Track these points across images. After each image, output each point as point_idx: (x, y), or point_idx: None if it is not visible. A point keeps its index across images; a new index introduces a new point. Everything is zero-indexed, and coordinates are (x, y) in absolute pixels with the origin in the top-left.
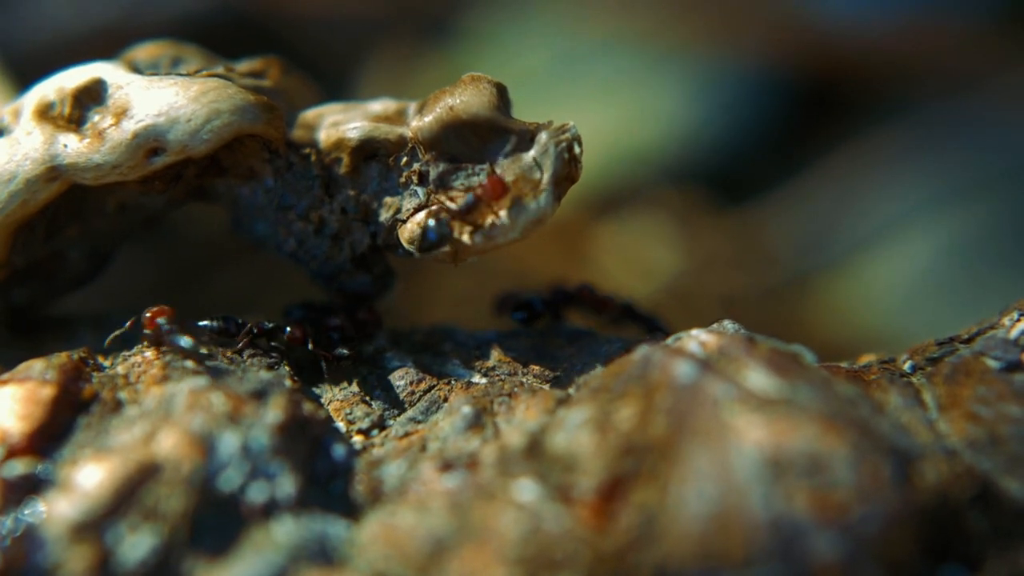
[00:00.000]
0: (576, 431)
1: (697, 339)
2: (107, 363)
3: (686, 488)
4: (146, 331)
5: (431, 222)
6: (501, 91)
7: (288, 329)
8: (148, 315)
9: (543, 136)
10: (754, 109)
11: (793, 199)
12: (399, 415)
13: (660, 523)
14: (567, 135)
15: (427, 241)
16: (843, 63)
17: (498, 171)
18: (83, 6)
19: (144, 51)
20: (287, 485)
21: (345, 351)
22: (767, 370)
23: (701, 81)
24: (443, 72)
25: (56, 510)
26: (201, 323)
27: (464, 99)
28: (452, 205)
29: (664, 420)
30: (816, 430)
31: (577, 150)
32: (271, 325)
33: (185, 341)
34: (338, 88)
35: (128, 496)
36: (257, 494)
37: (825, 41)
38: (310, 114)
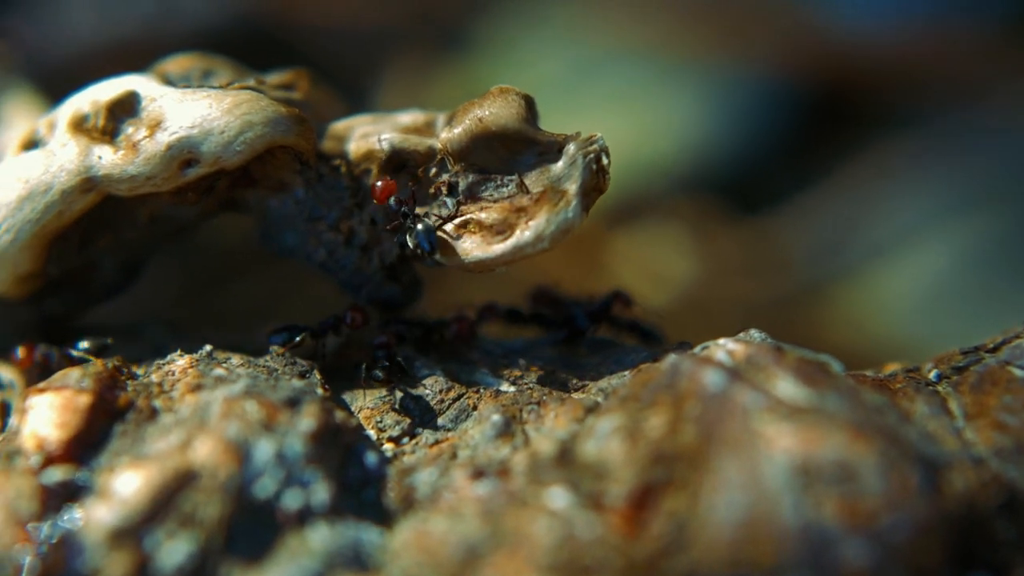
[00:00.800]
0: (606, 439)
1: (725, 348)
2: (141, 372)
3: (716, 496)
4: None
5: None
6: (529, 103)
7: (349, 315)
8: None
9: (571, 147)
10: (767, 118)
11: (807, 208)
12: (429, 423)
13: (690, 530)
14: (595, 146)
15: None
16: (855, 72)
17: (526, 182)
18: (106, 19)
19: (175, 63)
20: (321, 492)
21: (380, 374)
22: (796, 379)
23: (715, 91)
24: (458, 82)
25: (95, 516)
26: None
27: (493, 111)
28: (483, 215)
29: (694, 429)
30: (845, 438)
31: (605, 161)
32: (332, 319)
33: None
34: (354, 99)
35: (165, 503)
36: (292, 501)
37: (838, 50)
38: (340, 126)
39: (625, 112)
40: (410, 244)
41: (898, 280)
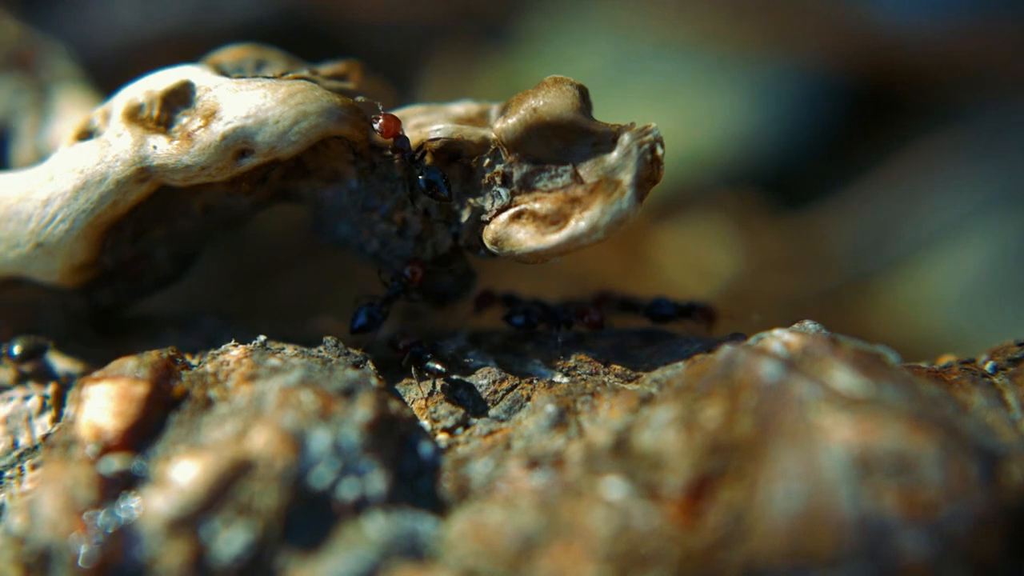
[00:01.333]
0: (663, 430)
1: (780, 339)
2: (195, 361)
3: (774, 487)
4: None
5: None
6: (583, 93)
7: (408, 270)
8: None
9: (626, 138)
10: (811, 112)
11: (850, 202)
12: (482, 414)
13: (748, 521)
14: (650, 136)
15: None
16: (900, 66)
17: (580, 172)
18: (151, 11)
19: (228, 54)
20: (378, 482)
21: (439, 367)
22: (852, 370)
23: (759, 85)
24: (500, 77)
25: (152, 506)
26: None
27: (547, 101)
28: (537, 206)
29: (750, 419)
30: (903, 429)
31: (660, 151)
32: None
33: None
34: (397, 92)
35: (222, 492)
36: (348, 491)
37: (882, 44)
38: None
39: (668, 107)
40: (422, 184)
41: (942, 274)
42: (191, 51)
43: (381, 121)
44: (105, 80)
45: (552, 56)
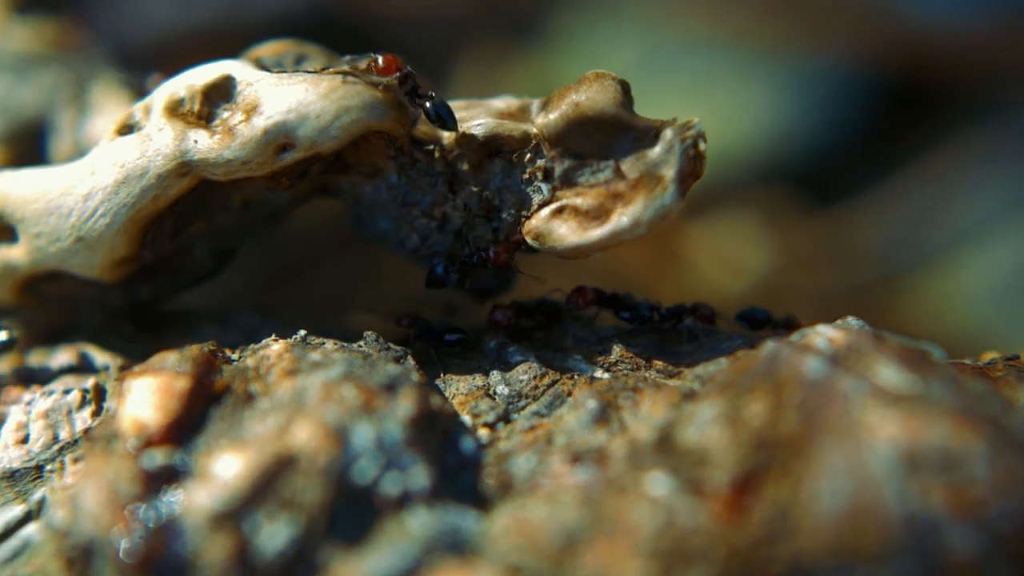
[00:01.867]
0: (707, 426)
1: (824, 335)
2: (235, 356)
3: (819, 483)
4: None
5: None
6: (625, 88)
7: (493, 252)
8: None
9: (668, 133)
10: (844, 108)
11: (883, 198)
12: (523, 409)
13: (793, 518)
14: (692, 131)
15: None
16: (934, 61)
17: (623, 167)
18: (185, 6)
19: (268, 49)
20: (421, 477)
21: (458, 335)
22: (898, 366)
23: (791, 81)
24: (531, 73)
25: (195, 500)
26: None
27: (590, 96)
28: (578, 201)
29: (795, 416)
30: (950, 426)
31: (702, 147)
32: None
33: None
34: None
35: (265, 486)
36: (391, 486)
37: (916, 39)
38: None
39: (700, 103)
40: (431, 115)
41: (974, 270)
42: (224, 45)
43: (381, 59)
44: (138, 74)
45: (583, 52)
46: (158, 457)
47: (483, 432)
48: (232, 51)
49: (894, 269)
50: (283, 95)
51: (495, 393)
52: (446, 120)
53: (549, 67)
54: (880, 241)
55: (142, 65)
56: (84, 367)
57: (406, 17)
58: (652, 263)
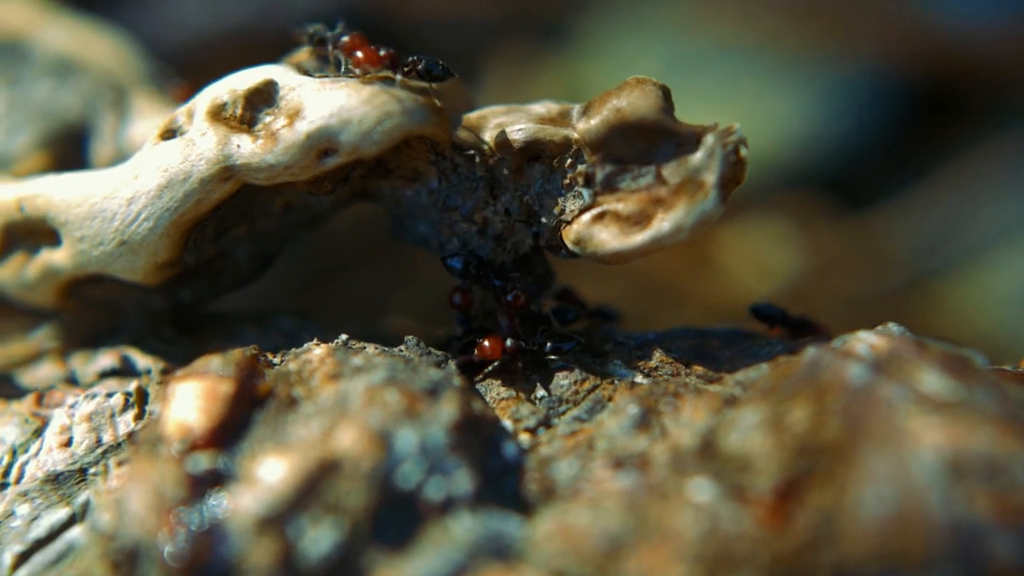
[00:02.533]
0: (750, 431)
1: (866, 341)
2: (277, 360)
3: (864, 489)
4: None
5: None
6: (666, 93)
7: (512, 296)
8: None
9: (709, 138)
10: (873, 113)
11: (913, 203)
12: (564, 414)
13: (837, 524)
14: (734, 137)
15: None
16: (964, 66)
17: (664, 173)
18: (218, 8)
19: (311, 53)
20: (464, 482)
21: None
22: (941, 372)
23: (819, 85)
24: (559, 76)
25: (240, 503)
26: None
27: (631, 101)
28: (620, 206)
29: (838, 422)
30: (994, 433)
31: (744, 152)
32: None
33: None
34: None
35: (310, 491)
36: (435, 491)
37: (946, 44)
38: (473, 116)
39: (728, 107)
40: (426, 73)
41: (1004, 275)
42: (257, 48)
43: (347, 39)
44: (175, 75)
45: (610, 56)
46: (203, 461)
47: (524, 437)
48: (264, 54)
49: (923, 274)
50: (326, 100)
51: (536, 398)
52: (444, 72)
53: (576, 71)
54: (909, 246)
55: (175, 68)
56: (126, 370)
57: (437, 21)
58: (684, 266)
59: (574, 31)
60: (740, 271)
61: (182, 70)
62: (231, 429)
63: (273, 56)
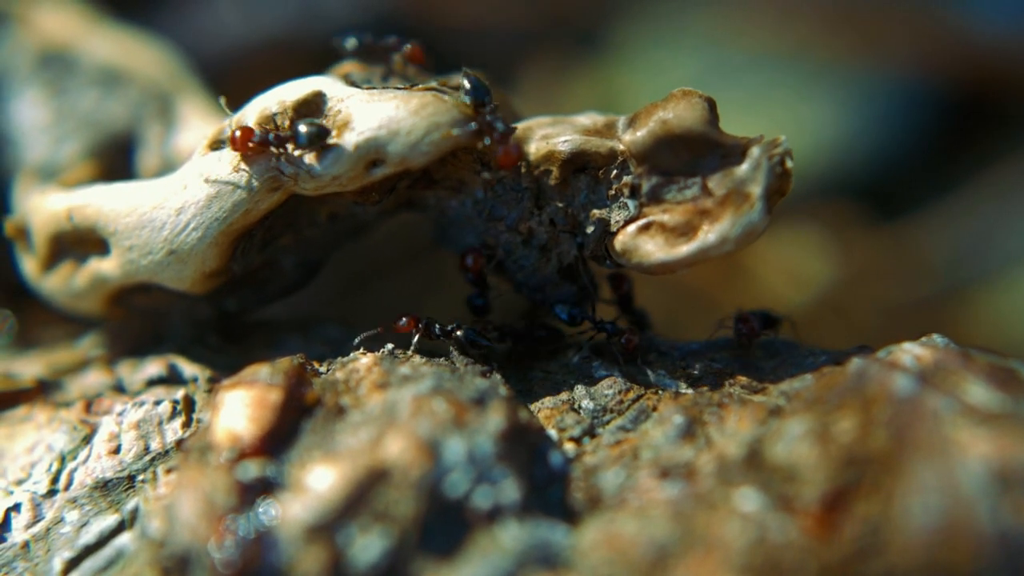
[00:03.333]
0: (796, 442)
1: (911, 353)
2: (323, 368)
3: (911, 500)
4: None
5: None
6: (711, 105)
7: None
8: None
9: (755, 150)
10: (907, 122)
11: (948, 213)
12: (608, 423)
13: (885, 534)
14: (780, 149)
15: None
16: (999, 74)
17: (709, 184)
18: (254, 18)
19: (357, 65)
20: (511, 491)
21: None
22: (987, 384)
23: (854, 94)
24: (593, 84)
25: (289, 511)
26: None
27: (677, 113)
28: (665, 217)
29: (884, 433)
30: None
31: (789, 164)
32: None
33: None
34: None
35: (359, 499)
36: (483, 499)
37: (981, 53)
38: (519, 127)
39: (761, 116)
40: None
41: None
42: (293, 57)
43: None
44: (212, 83)
45: (644, 65)
46: (252, 469)
47: (569, 446)
48: (300, 63)
49: (958, 283)
50: (375, 111)
51: (580, 407)
52: (485, 94)
53: (610, 79)
54: (944, 255)
55: (212, 76)
56: (173, 378)
57: (472, 28)
58: (716, 274)
59: (609, 40)
60: (773, 279)
61: (218, 78)
62: (280, 437)
63: (308, 65)
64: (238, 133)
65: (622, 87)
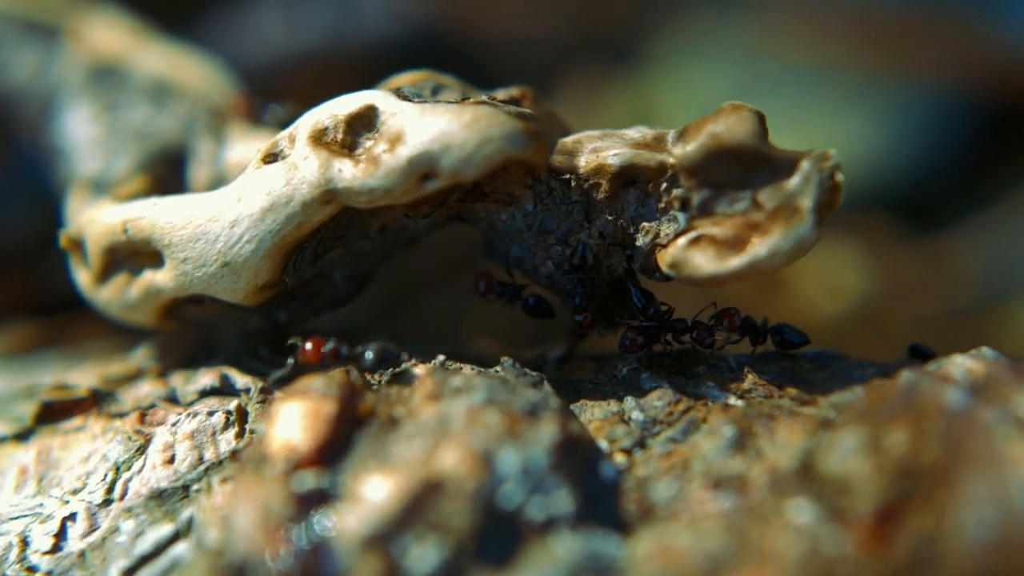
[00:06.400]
0: (849, 454)
1: (962, 366)
2: (374, 380)
3: (965, 513)
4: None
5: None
6: (761, 119)
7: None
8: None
9: (805, 164)
10: (943, 136)
11: (984, 226)
12: (658, 435)
13: (939, 548)
14: (830, 163)
15: None
16: None
17: (760, 198)
18: (294, 31)
19: (407, 79)
20: (566, 502)
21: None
22: None
23: (889, 108)
24: (629, 98)
25: (345, 522)
26: None
27: (728, 127)
28: (716, 231)
29: (937, 446)
30: None
31: (839, 178)
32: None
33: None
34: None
35: (414, 510)
36: (537, 511)
37: (1017, 66)
38: (568, 141)
39: (797, 130)
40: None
41: None
42: (331, 69)
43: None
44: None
45: (679, 79)
46: (309, 480)
47: (619, 457)
48: (338, 74)
49: (995, 296)
50: (427, 125)
51: (630, 419)
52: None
53: (646, 92)
54: (981, 268)
55: (257, 88)
56: (225, 389)
57: (508, 41)
58: (753, 285)
59: (645, 54)
60: (810, 291)
61: (259, 89)
62: (335, 448)
63: (347, 76)
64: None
65: (658, 100)
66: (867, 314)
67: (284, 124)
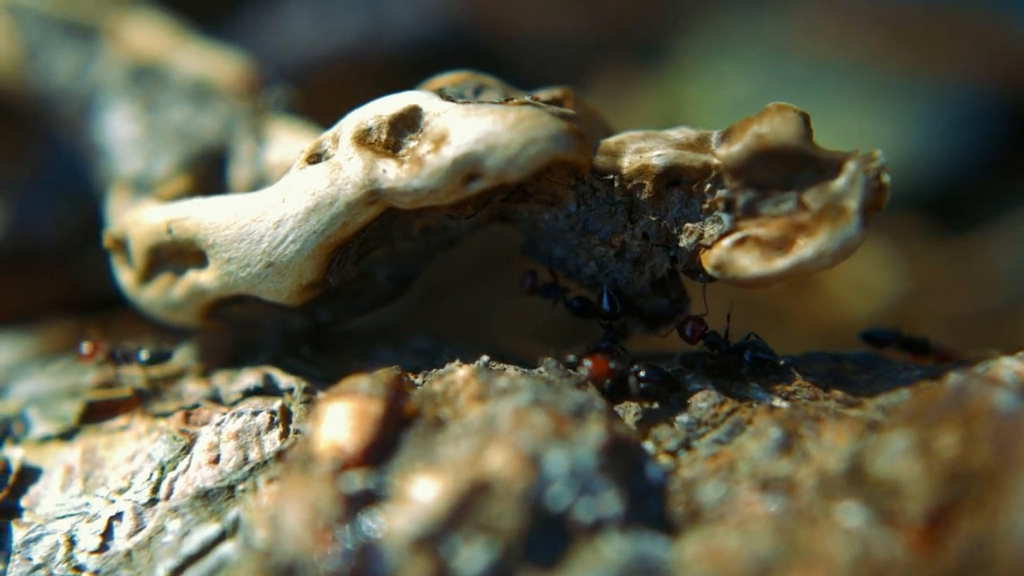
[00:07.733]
0: (899, 457)
1: (1011, 368)
2: (419, 380)
3: (1017, 516)
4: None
5: None
6: (806, 120)
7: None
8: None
9: (851, 165)
10: (974, 135)
11: (1015, 225)
12: (703, 437)
13: (991, 551)
14: (876, 164)
15: None
16: None
17: (806, 199)
18: (325, 31)
19: (448, 80)
20: (613, 503)
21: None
22: None
23: (920, 106)
24: (657, 97)
25: (394, 522)
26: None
27: (773, 128)
28: (761, 232)
29: (987, 448)
30: None
31: (885, 179)
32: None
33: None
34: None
35: (462, 510)
36: (585, 512)
37: None
38: (611, 141)
39: (825, 129)
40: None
41: None
42: (362, 68)
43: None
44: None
45: (708, 77)
46: (356, 480)
47: (665, 459)
48: (368, 74)
49: (1023, 295)
50: (472, 125)
51: (675, 420)
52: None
53: (675, 91)
54: (1010, 267)
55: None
56: (269, 389)
57: (537, 39)
58: (786, 286)
59: (673, 52)
60: (841, 291)
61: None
62: (381, 449)
63: (378, 75)
64: None
65: (686, 98)
66: (897, 313)
67: (280, 106)
